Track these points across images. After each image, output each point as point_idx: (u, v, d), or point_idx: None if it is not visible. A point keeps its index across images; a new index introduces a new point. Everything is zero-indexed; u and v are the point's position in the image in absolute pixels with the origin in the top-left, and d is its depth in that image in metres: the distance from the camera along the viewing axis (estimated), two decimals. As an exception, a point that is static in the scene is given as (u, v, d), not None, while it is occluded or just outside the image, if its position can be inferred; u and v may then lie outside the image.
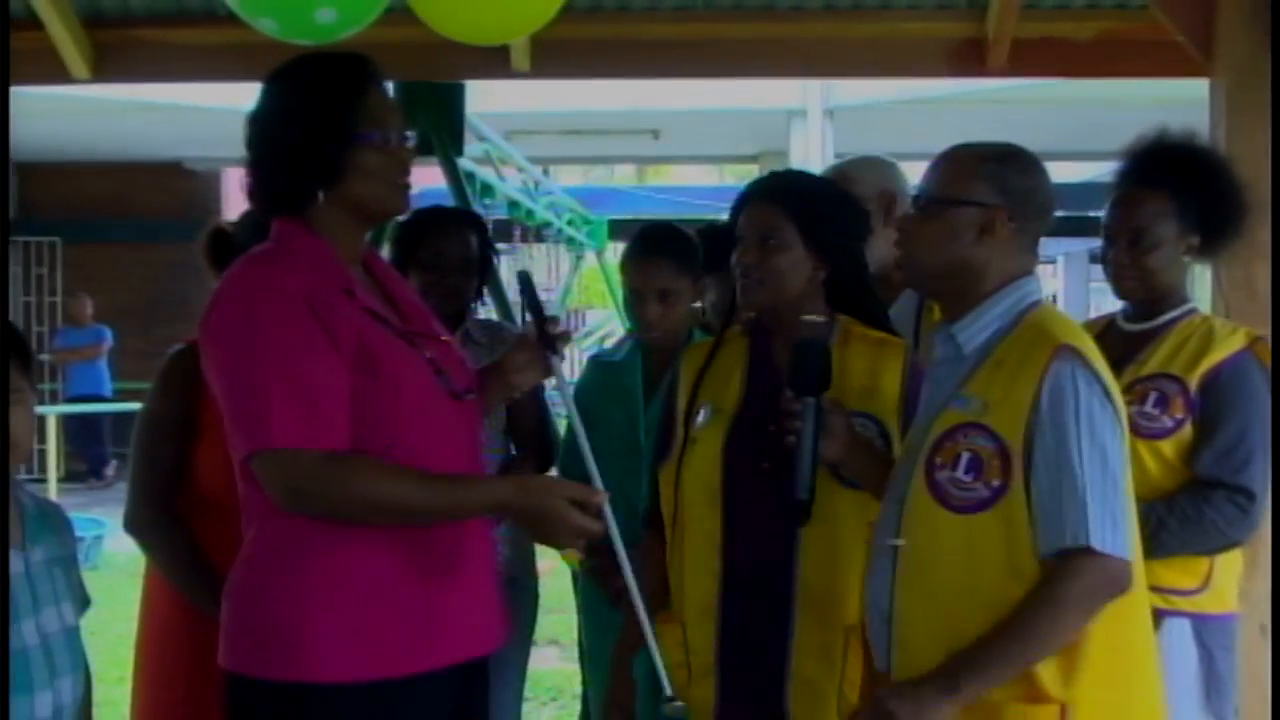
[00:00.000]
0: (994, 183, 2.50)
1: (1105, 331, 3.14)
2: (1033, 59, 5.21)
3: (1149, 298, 3.14)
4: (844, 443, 2.67)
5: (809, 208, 2.85)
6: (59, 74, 5.03)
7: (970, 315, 2.50)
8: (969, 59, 5.17)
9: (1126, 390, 2.65)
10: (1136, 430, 2.72)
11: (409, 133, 2.72)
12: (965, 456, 2.39)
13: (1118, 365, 2.65)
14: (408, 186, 2.74)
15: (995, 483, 2.36)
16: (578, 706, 5.66)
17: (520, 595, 3.68)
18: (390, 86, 2.83)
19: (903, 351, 2.91)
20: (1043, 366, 2.37)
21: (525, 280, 2.88)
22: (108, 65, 5.07)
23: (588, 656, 3.88)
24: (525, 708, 6.21)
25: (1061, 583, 2.30)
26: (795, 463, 2.64)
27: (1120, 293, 3.18)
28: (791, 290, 2.85)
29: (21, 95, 10.21)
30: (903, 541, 2.46)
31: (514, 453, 3.83)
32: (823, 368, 2.67)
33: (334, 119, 2.63)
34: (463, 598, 2.70)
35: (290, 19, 3.41)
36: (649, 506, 3.05)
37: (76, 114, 12.54)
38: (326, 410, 2.58)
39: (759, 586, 2.83)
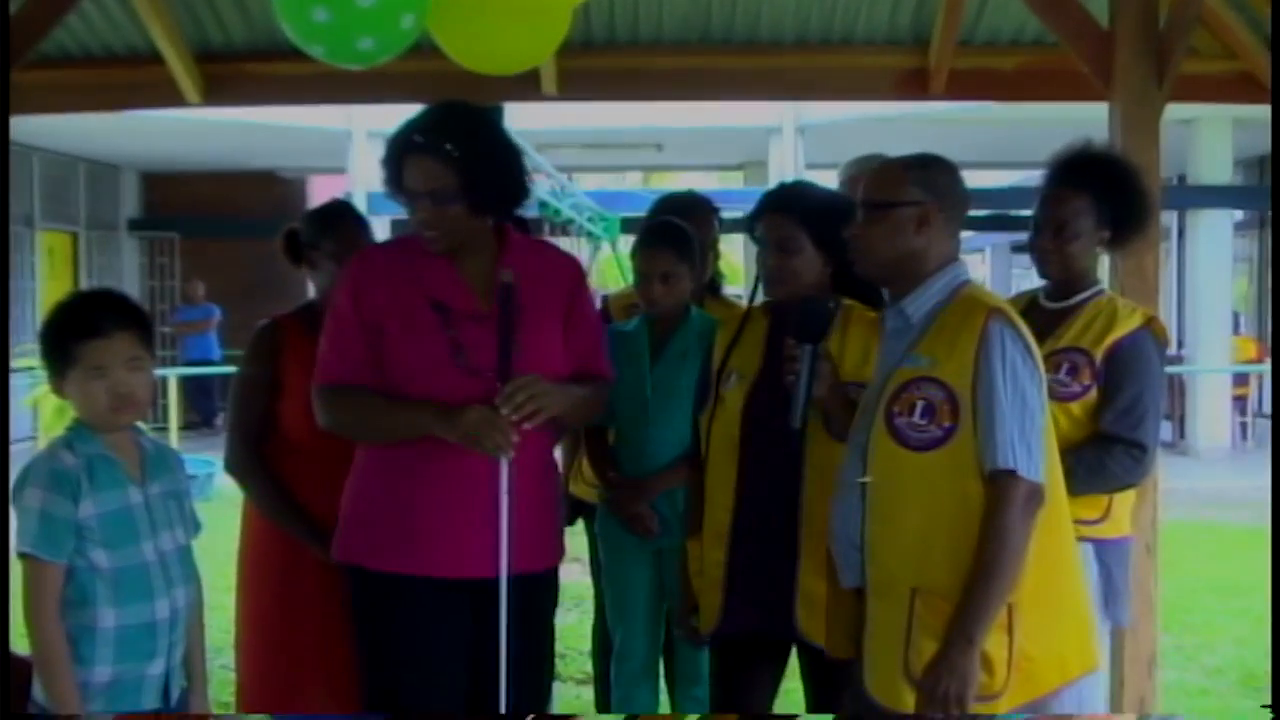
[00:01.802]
0: (923, 184, 2.52)
1: (1029, 307, 3.12)
2: (967, 85, 5.20)
3: (1066, 278, 3.12)
4: (830, 385, 2.70)
5: (818, 216, 2.88)
6: (176, 99, 5.01)
7: (915, 292, 2.52)
8: (914, 85, 5.15)
9: (1045, 360, 2.65)
10: (1053, 394, 2.71)
11: None
12: (920, 404, 2.41)
13: (1039, 338, 2.64)
14: None
15: (946, 424, 2.39)
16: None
17: None
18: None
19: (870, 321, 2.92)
20: (979, 327, 2.41)
21: (506, 291, 2.73)
22: (216, 92, 5.05)
23: (605, 573, 3.86)
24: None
25: (1000, 512, 2.33)
26: (792, 397, 2.68)
27: (1043, 274, 3.17)
28: (806, 284, 2.88)
29: (145, 117, 10.28)
30: (870, 478, 2.47)
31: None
32: (822, 322, 2.71)
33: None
34: (451, 519, 2.69)
35: (336, 46, 3.38)
36: (691, 448, 3.09)
37: (190, 133, 12.53)
38: (343, 352, 2.74)
39: (768, 520, 2.84)
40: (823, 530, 2.79)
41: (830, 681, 2.89)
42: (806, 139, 13.97)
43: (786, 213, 2.90)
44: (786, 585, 2.82)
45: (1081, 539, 2.90)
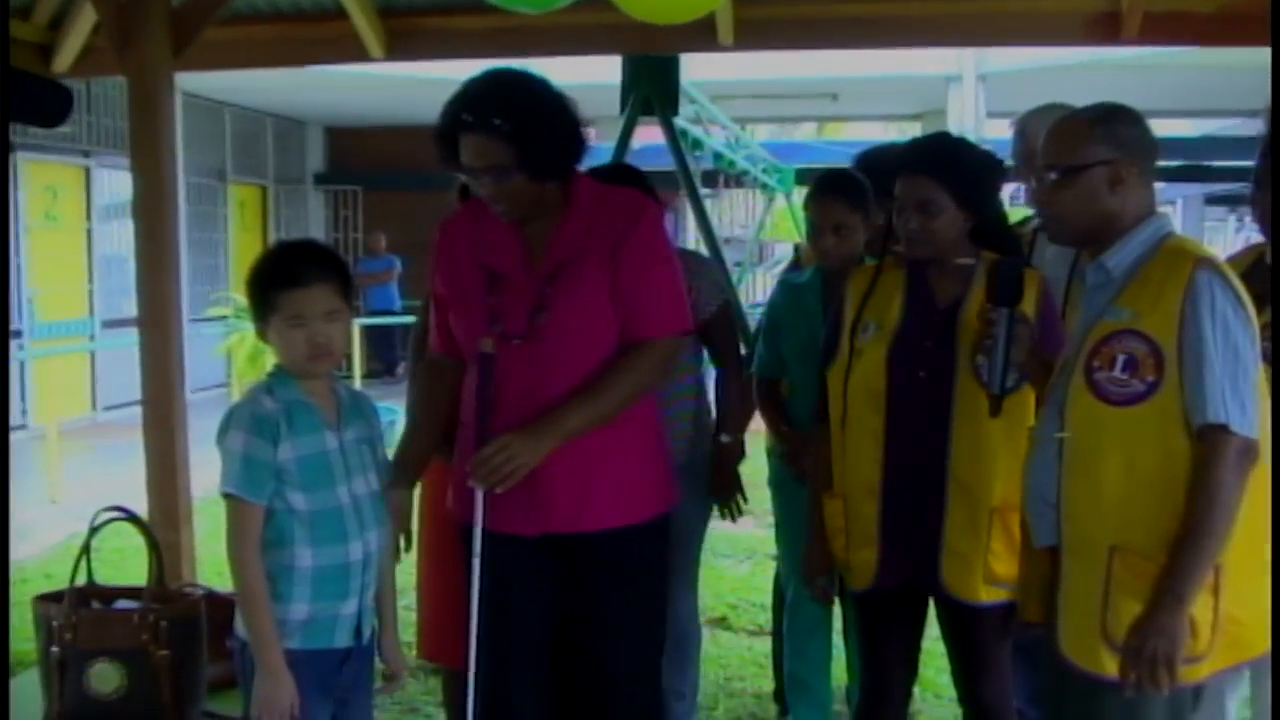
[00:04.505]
0: (1110, 141, 2.40)
1: (1254, 266, 2.93)
2: (1162, 29, 4.94)
3: None
4: (1028, 348, 2.64)
5: (958, 174, 2.80)
6: (360, 55, 5.12)
7: (1116, 246, 2.42)
8: (1105, 29, 4.94)
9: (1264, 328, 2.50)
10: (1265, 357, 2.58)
11: None
12: (1121, 358, 2.32)
13: (1262, 300, 2.51)
14: None
15: (1150, 378, 2.30)
16: (768, 564, 5.71)
17: (699, 478, 3.67)
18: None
19: (1039, 279, 2.86)
20: (1186, 278, 2.30)
21: (487, 362, 2.67)
22: (398, 47, 5.14)
23: (779, 525, 3.87)
24: (723, 563, 6.32)
25: (1212, 468, 2.24)
26: (991, 363, 2.63)
27: (1267, 231, 2.98)
28: (947, 242, 2.82)
29: (329, 73, 10.54)
30: (1067, 434, 2.40)
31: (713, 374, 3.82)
32: (1016, 285, 2.64)
33: None
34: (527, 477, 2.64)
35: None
36: (818, 403, 3.03)
37: (372, 88, 12.83)
38: (436, 326, 2.88)
39: (916, 473, 2.80)
40: (968, 483, 2.76)
41: (972, 636, 2.87)
42: (988, 87, 13.63)
43: (927, 173, 2.80)
44: (934, 539, 2.80)
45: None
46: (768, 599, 4.69)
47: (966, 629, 2.87)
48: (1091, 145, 2.40)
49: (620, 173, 3.62)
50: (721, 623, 5.41)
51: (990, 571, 2.78)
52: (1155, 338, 2.30)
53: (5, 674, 2.58)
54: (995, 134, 11.85)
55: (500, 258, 2.74)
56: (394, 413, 10.00)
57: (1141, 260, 2.40)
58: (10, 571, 6.65)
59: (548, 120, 2.64)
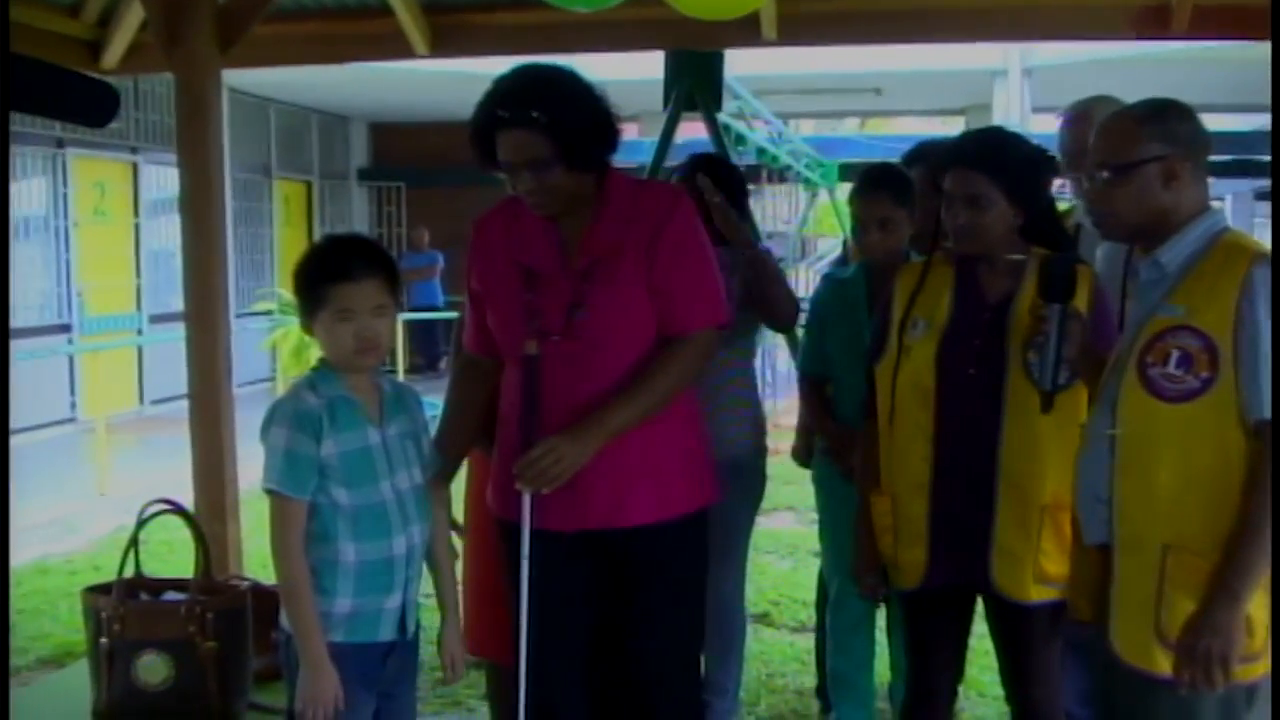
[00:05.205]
0: (1162, 136, 2.36)
1: None
2: (1213, 22, 4.87)
3: None
4: (1080, 344, 2.61)
5: (1009, 169, 2.76)
6: (404, 51, 5.14)
7: (1171, 241, 2.38)
8: (1155, 23, 4.88)
9: None
10: None
11: None
12: (1175, 354, 2.30)
13: None
14: None
15: (1204, 374, 2.27)
16: (810, 560, 5.70)
17: (747, 474, 3.67)
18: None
19: (1090, 275, 2.82)
20: (1242, 274, 2.27)
21: (531, 364, 2.67)
22: (442, 43, 5.16)
23: (823, 522, 3.86)
24: (766, 559, 6.31)
25: (1269, 464, 2.21)
26: (1043, 359, 2.61)
27: None
28: (996, 237, 2.78)
29: (373, 69, 10.59)
30: (1120, 431, 2.37)
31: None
32: (1069, 281, 2.61)
33: None
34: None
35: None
36: (865, 399, 3.01)
37: (416, 84, 12.89)
38: (472, 323, 2.88)
39: (965, 471, 2.78)
40: (1019, 481, 2.73)
41: (1021, 636, 2.84)
42: (1033, 81, 13.52)
43: (977, 168, 2.76)
44: (984, 537, 2.77)
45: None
46: (810, 595, 4.68)
47: (1016, 628, 2.85)
48: (1144, 142, 2.37)
49: (709, 163, 3.72)
50: (764, 619, 5.40)
51: (1041, 570, 2.76)
52: (1210, 334, 2.27)
53: (5, 673, 2.60)
54: (1041, 129, 11.76)
55: (536, 255, 2.74)
56: (436, 407, 10.08)
57: (1196, 256, 2.37)
58: (59, 563, 6.74)
59: (583, 111, 2.65)
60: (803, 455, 4.06)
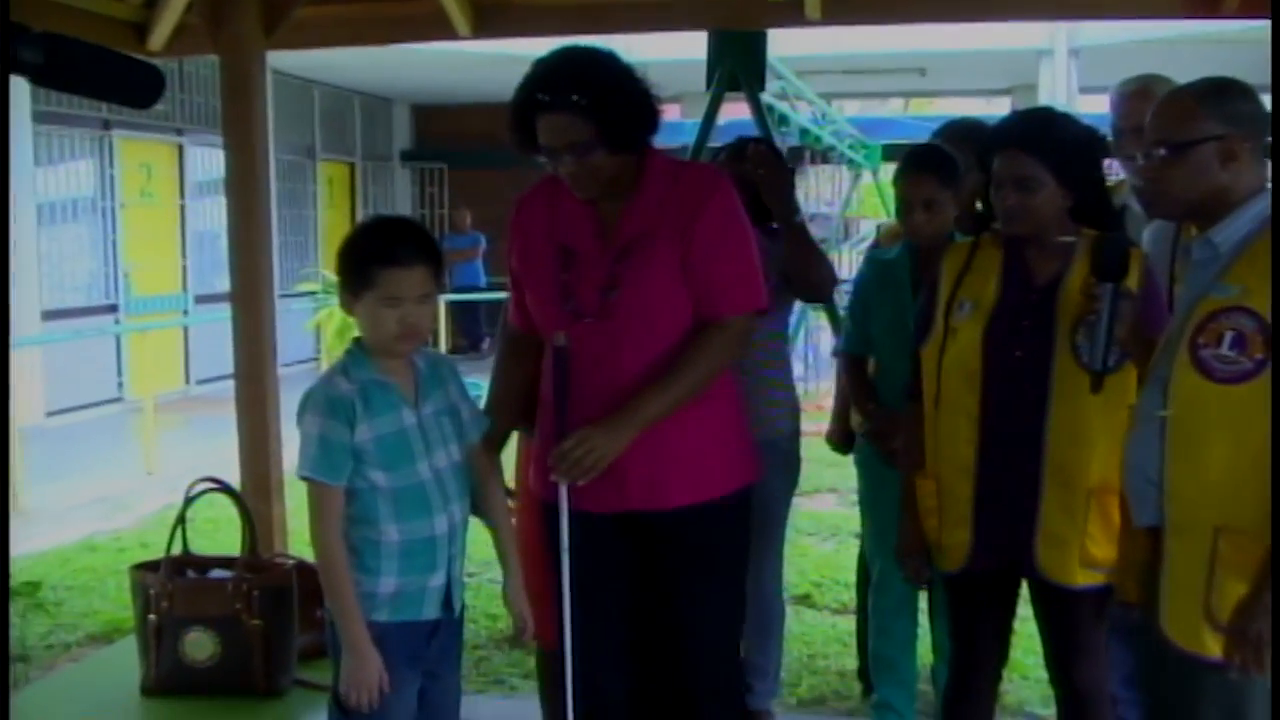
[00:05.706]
0: (1220, 115, 2.32)
1: None
2: (1262, 2, 4.78)
3: None
4: (1131, 324, 2.58)
5: (1059, 151, 2.72)
6: (447, 33, 5.13)
7: (1225, 220, 2.34)
8: (1204, 3, 4.79)
9: None
10: None
11: None
12: (1229, 335, 2.26)
13: None
14: None
15: (1258, 356, 2.23)
16: (851, 542, 5.68)
17: (782, 457, 3.66)
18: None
19: (1141, 256, 2.79)
20: None
21: (561, 355, 2.68)
22: (485, 25, 5.14)
23: (865, 504, 3.85)
24: (807, 541, 6.31)
25: None
26: (1094, 339, 2.57)
27: None
28: (1046, 219, 2.75)
29: (416, 51, 10.60)
30: (1171, 412, 2.34)
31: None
32: (1122, 260, 2.57)
33: None
34: None
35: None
36: (911, 381, 2.99)
37: (458, 66, 12.91)
38: (513, 300, 2.90)
39: (1011, 454, 2.76)
40: (1065, 464, 2.71)
41: (1067, 619, 2.83)
42: (1080, 61, 13.38)
43: (1026, 149, 2.72)
44: (1029, 521, 2.75)
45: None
46: (852, 577, 4.67)
47: (1062, 612, 2.83)
48: (1203, 120, 2.33)
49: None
50: (805, 600, 5.39)
51: (1087, 554, 2.73)
52: (1264, 314, 2.24)
53: (5, 673, 2.62)
54: (1088, 109, 11.63)
55: (574, 235, 2.74)
56: (478, 387, 10.13)
57: (1251, 236, 2.32)
58: (107, 541, 6.83)
59: (624, 92, 2.64)
60: (837, 439, 4.04)
